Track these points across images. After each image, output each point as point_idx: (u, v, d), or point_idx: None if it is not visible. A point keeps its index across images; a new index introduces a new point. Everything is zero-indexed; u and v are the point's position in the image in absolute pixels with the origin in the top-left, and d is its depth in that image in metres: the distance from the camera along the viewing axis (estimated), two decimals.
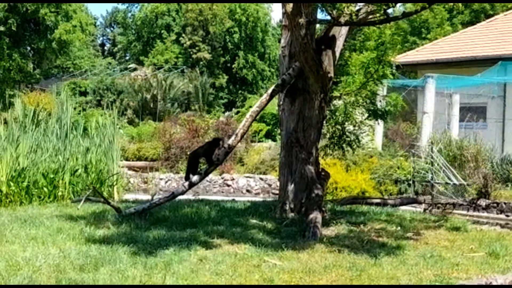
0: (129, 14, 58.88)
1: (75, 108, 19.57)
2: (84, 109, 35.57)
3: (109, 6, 70.15)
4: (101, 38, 69.35)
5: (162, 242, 8.03)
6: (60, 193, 12.90)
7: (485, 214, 15.12)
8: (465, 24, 34.79)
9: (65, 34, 43.54)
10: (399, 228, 10.04)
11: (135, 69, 44.85)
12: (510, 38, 23.04)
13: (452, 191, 15.43)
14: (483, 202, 15.32)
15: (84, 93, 41.28)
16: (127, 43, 57.18)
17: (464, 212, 14.83)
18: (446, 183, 15.47)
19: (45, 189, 12.74)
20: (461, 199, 15.00)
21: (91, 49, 58.18)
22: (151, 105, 39.16)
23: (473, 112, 21.36)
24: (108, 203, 10.28)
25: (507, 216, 14.96)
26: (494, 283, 6.85)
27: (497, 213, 15.19)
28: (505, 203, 15.30)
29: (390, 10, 9.87)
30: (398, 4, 10.72)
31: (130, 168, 19.89)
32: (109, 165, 14.47)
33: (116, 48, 61.70)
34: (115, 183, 14.28)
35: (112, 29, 67.22)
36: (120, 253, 7.32)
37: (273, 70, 52.97)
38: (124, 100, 39.22)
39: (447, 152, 17.02)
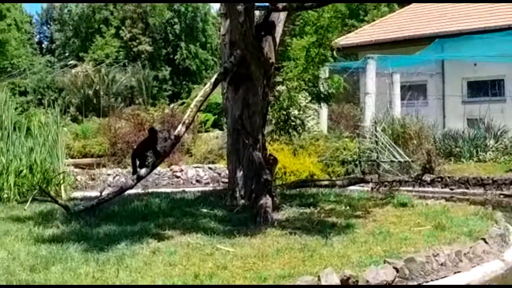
0: (66, 10, 57.66)
1: (16, 109, 19.10)
2: (25, 109, 34.78)
3: (44, 3, 68.52)
4: (38, 36, 67.68)
5: (113, 237, 7.96)
6: (5, 195, 12.58)
7: (430, 188, 15.57)
8: (402, 4, 35.33)
9: (0, 34, 42.50)
10: (348, 207, 10.22)
11: (75, 66, 44.02)
12: (445, 17, 23.61)
13: (397, 168, 15.78)
14: (427, 178, 15.76)
15: (24, 93, 40.38)
16: (66, 39, 55.98)
17: (410, 188, 15.23)
18: (391, 161, 15.81)
19: None
20: (406, 175, 15.37)
21: (29, 48, 56.67)
22: (94, 101, 38.55)
23: (413, 90, 21.83)
24: (56, 202, 10.13)
25: (451, 189, 15.44)
26: (441, 254, 7.06)
27: (442, 187, 15.66)
28: (448, 177, 15.77)
29: None
30: None
31: (76, 165, 19.54)
32: (55, 163, 14.21)
33: (54, 45, 60.36)
34: (61, 181, 14.04)
35: (49, 26, 65.67)
36: (71, 251, 7.23)
37: (216, 59, 52.76)
38: (66, 98, 38.52)
39: (391, 130, 17.37)
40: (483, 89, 22.26)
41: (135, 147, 13.49)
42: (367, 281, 6.17)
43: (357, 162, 17.57)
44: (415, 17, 24.96)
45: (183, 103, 36.40)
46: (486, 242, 7.88)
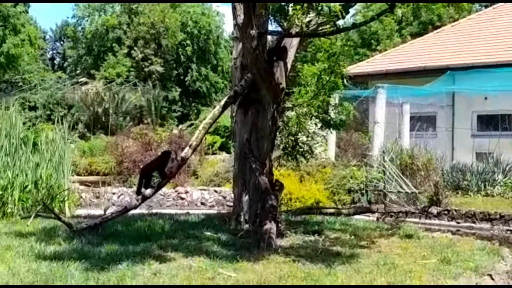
0: (79, 28, 58.15)
1: (24, 123, 19.15)
2: (34, 124, 34.89)
3: (59, 20, 69.08)
4: (50, 52, 68.22)
5: (115, 257, 7.89)
6: (9, 210, 12.56)
7: (437, 221, 15.38)
8: (414, 35, 35.44)
9: (14, 48, 42.86)
10: (353, 237, 10.12)
11: (86, 83, 44.26)
12: (458, 49, 23.58)
13: (404, 199, 15.61)
14: (434, 210, 15.59)
15: (33, 108, 40.57)
16: (78, 57, 56.33)
17: (416, 220, 15.06)
18: (398, 191, 15.65)
19: None
20: (413, 207, 15.20)
21: (41, 63, 56.96)
22: (103, 119, 38.70)
23: (423, 121, 21.71)
24: (59, 219, 10.08)
25: (458, 223, 15.25)
26: None
27: (448, 220, 15.47)
28: (455, 210, 15.59)
29: (340, 22, 9.99)
30: (348, 16, 10.86)
31: (81, 183, 19.53)
32: (60, 180, 14.19)
33: (66, 62, 60.75)
34: (66, 198, 14.01)
35: (62, 43, 66.19)
36: (72, 269, 7.17)
37: (226, 82, 52.95)
38: (75, 115, 38.71)
39: (399, 161, 17.23)
40: (493, 123, 22.14)
41: (142, 166, 13.45)
42: None
43: (363, 191, 17.43)
44: (427, 49, 24.95)
45: (191, 124, 36.48)
46: (492, 279, 7.75)
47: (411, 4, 8.95)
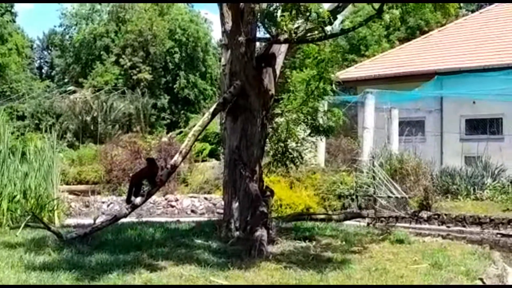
0: (67, 36, 57.98)
1: (12, 133, 19.03)
2: (22, 134, 34.73)
3: (46, 29, 68.78)
4: (38, 61, 67.86)
5: (105, 266, 7.83)
6: None
7: (427, 226, 15.43)
8: (402, 41, 35.56)
9: (1, 57, 42.70)
10: (344, 242, 10.11)
11: (74, 92, 44.11)
12: (445, 53, 23.72)
13: (394, 204, 15.65)
14: (424, 214, 15.64)
15: (22, 118, 40.41)
16: (65, 65, 56.15)
17: (407, 224, 15.10)
18: (388, 196, 15.69)
19: None
20: (403, 212, 15.25)
21: (28, 72, 56.72)
22: (92, 128, 38.58)
23: (412, 126, 21.80)
24: (49, 229, 9.99)
25: (448, 227, 15.30)
26: None
27: (439, 225, 15.52)
28: (445, 215, 15.65)
29: (328, 28, 9.98)
30: (336, 22, 10.84)
31: (71, 192, 19.43)
32: (49, 189, 14.12)
33: (54, 71, 60.53)
34: (55, 208, 13.93)
35: (49, 51, 65.91)
36: (62, 279, 7.10)
37: (215, 89, 52.86)
38: (63, 123, 38.55)
39: (388, 166, 17.29)
40: (481, 127, 22.25)
41: (132, 174, 13.40)
42: None
43: (353, 197, 17.46)
44: (415, 54, 25.07)
45: (180, 132, 36.40)
46: (483, 282, 7.76)
47: (399, 7, 8.94)
